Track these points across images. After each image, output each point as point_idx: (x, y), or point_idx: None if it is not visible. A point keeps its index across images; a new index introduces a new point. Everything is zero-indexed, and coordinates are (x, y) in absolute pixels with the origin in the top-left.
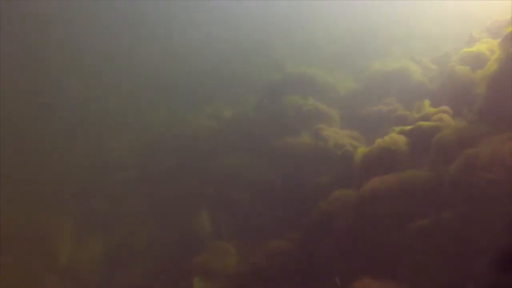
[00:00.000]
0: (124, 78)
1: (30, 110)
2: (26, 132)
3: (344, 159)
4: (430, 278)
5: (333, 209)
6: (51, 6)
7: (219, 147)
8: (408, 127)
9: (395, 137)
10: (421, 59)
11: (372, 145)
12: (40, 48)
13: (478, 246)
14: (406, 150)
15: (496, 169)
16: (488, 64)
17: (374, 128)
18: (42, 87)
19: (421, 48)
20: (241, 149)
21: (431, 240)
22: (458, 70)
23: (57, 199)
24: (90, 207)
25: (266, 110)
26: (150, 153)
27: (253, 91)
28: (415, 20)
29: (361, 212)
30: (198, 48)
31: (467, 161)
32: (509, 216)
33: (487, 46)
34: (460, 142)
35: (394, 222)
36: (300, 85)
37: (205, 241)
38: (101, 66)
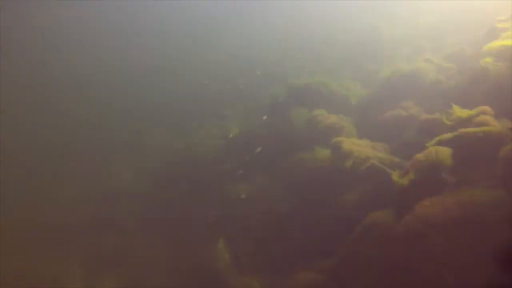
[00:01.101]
0: (119, 96)
1: (23, 134)
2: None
3: (371, 174)
4: None
5: (372, 236)
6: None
7: (229, 169)
8: (449, 135)
9: (440, 150)
10: (433, 58)
11: (410, 161)
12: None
13: None
14: (454, 165)
15: None
16: None
17: (394, 136)
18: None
19: (429, 47)
20: (253, 169)
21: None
22: (491, 67)
23: (63, 235)
24: (100, 242)
25: (273, 126)
26: (157, 179)
27: (257, 107)
28: (419, 17)
29: (411, 242)
30: (194, 63)
31: None
32: None
33: None
34: None
35: (455, 258)
36: (307, 97)
37: (225, 275)
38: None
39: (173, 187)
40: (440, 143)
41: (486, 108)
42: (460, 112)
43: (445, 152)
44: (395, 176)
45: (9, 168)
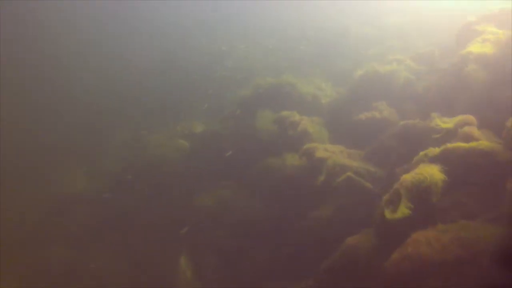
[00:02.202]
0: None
1: None
2: None
3: (347, 187)
4: None
5: (352, 267)
6: None
7: (193, 174)
8: (435, 150)
9: (430, 170)
10: (403, 58)
11: (392, 180)
12: None
13: None
14: (446, 187)
15: None
16: None
17: (368, 140)
18: None
19: (398, 47)
20: (218, 175)
21: None
22: (472, 73)
23: (5, 247)
24: (49, 255)
25: (239, 127)
26: (114, 183)
27: (222, 106)
28: (387, 17)
29: (403, 283)
30: (158, 61)
31: None
32: None
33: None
34: None
35: None
36: (275, 98)
37: None
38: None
39: (131, 192)
40: (427, 159)
41: (469, 117)
42: (443, 122)
43: (435, 173)
44: (387, 213)
45: None
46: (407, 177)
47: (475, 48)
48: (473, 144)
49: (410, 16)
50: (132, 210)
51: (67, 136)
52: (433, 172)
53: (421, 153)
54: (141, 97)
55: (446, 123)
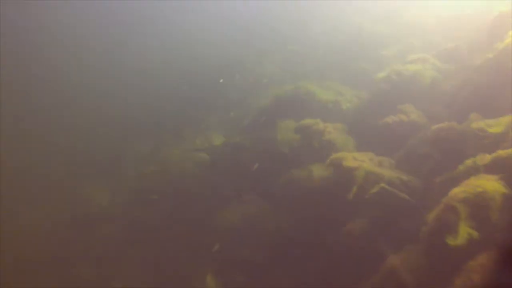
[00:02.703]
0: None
1: None
2: None
3: (381, 199)
4: None
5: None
6: None
7: (215, 188)
8: (486, 158)
9: (486, 184)
10: (427, 56)
11: (432, 191)
12: None
13: None
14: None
15: None
16: None
17: (397, 145)
18: None
19: (418, 45)
20: (240, 188)
21: None
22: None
23: (32, 266)
24: (74, 274)
25: (259, 138)
26: (135, 201)
27: (241, 116)
28: (403, 14)
29: None
30: (174, 70)
31: None
32: None
33: None
34: None
35: None
36: (294, 106)
37: None
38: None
39: (152, 209)
40: (474, 167)
41: None
42: (487, 125)
43: (495, 185)
44: (449, 240)
45: None
46: (459, 191)
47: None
48: None
49: (427, 11)
50: (156, 227)
51: (86, 149)
52: (491, 185)
53: (467, 161)
54: (159, 107)
55: (491, 125)
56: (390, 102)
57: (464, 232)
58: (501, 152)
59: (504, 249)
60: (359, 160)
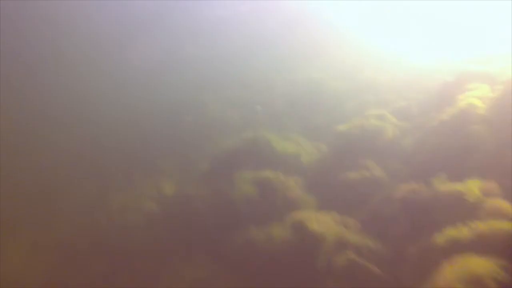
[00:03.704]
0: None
1: None
2: None
3: (348, 271)
4: None
5: None
6: None
7: (161, 247)
8: (464, 234)
9: (480, 267)
10: (384, 113)
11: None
12: None
13: None
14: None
15: None
16: None
17: (360, 203)
18: None
19: (373, 101)
20: (191, 247)
21: None
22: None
23: None
24: None
25: (214, 189)
26: (69, 260)
27: (194, 163)
28: (360, 72)
29: None
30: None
31: None
32: None
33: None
34: None
35: None
36: (253, 155)
37: None
38: None
39: (86, 268)
40: (456, 241)
41: (491, 184)
42: (461, 191)
43: (488, 271)
44: None
45: None
46: (450, 273)
47: (470, 102)
48: None
49: (381, 70)
50: None
51: (15, 198)
52: (483, 267)
53: (448, 231)
54: (107, 147)
55: (461, 191)
56: (351, 156)
57: None
58: (480, 225)
59: None
60: (323, 222)
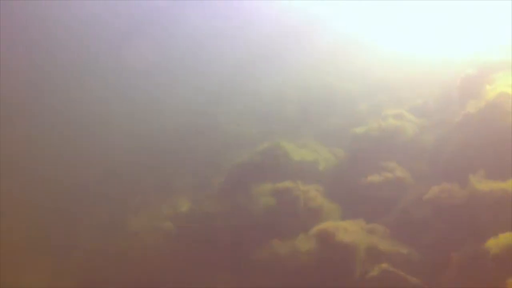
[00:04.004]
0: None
1: None
2: None
3: (387, 282)
4: None
5: None
6: None
7: (180, 265)
8: None
9: None
10: (401, 112)
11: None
12: None
13: None
14: None
15: None
16: None
17: (386, 208)
18: None
19: (387, 101)
20: (211, 264)
21: None
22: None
23: None
24: None
25: (231, 203)
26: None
27: (209, 178)
28: (369, 72)
29: None
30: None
31: None
32: None
33: None
34: None
35: None
36: (269, 165)
37: None
38: None
39: None
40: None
41: None
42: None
43: None
44: None
45: None
46: None
47: (501, 92)
48: None
49: (393, 70)
50: None
51: (33, 224)
52: None
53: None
54: (121, 171)
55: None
56: (371, 159)
57: None
58: None
59: None
60: (351, 231)
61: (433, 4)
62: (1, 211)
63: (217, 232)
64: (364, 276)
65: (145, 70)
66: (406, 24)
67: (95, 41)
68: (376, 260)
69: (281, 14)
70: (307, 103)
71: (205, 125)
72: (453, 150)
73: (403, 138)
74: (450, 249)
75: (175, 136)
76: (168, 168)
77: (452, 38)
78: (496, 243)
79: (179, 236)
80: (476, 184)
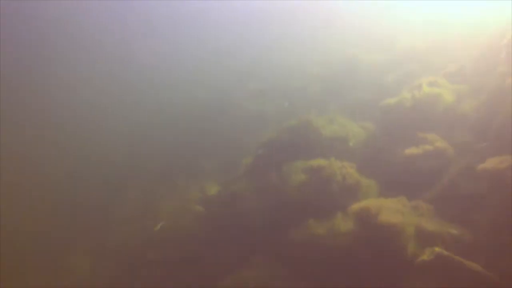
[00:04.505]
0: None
1: None
2: None
3: (442, 268)
4: None
5: None
6: None
7: (213, 249)
8: None
9: None
10: (435, 79)
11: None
12: None
13: None
14: None
15: None
16: None
17: (428, 182)
18: None
19: (417, 70)
20: (243, 247)
21: None
22: None
23: None
24: None
25: (261, 184)
26: (122, 273)
27: (237, 158)
28: (394, 40)
29: None
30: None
31: None
32: None
33: None
34: None
35: None
36: (297, 143)
37: None
38: None
39: (146, 279)
40: None
41: None
42: None
43: None
44: None
45: None
46: None
47: None
48: None
49: (420, 36)
50: None
51: (65, 209)
52: None
53: None
54: (148, 156)
55: None
56: (405, 131)
57: None
58: None
59: None
60: (391, 210)
61: None
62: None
63: (249, 214)
64: (414, 261)
65: (168, 51)
66: None
67: None
68: (425, 242)
69: None
70: (330, 77)
71: (228, 104)
72: (501, 117)
73: (440, 106)
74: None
75: (198, 116)
76: (193, 150)
77: None
78: None
79: (210, 219)
80: None
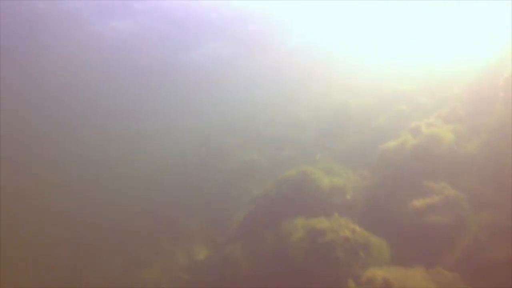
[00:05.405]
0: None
1: None
2: None
3: None
4: None
5: None
6: None
7: None
8: None
9: None
10: (432, 121)
11: None
12: None
13: None
14: None
15: None
16: None
17: (439, 241)
18: None
19: (408, 111)
20: None
21: None
22: None
23: None
24: None
25: (255, 247)
26: None
27: (228, 218)
28: (381, 84)
29: None
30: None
31: None
32: None
33: None
34: None
35: None
36: (294, 198)
37: None
38: None
39: None
40: None
41: None
42: None
43: None
44: None
45: None
46: None
47: None
48: None
49: (406, 77)
50: None
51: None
52: None
53: None
54: (133, 216)
55: None
56: (407, 178)
57: None
58: None
59: None
60: (410, 279)
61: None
62: None
63: (243, 284)
64: None
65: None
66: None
67: None
68: None
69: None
70: (321, 123)
71: (214, 155)
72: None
73: (442, 148)
74: None
75: (180, 171)
76: (178, 211)
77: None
78: None
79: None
80: None
